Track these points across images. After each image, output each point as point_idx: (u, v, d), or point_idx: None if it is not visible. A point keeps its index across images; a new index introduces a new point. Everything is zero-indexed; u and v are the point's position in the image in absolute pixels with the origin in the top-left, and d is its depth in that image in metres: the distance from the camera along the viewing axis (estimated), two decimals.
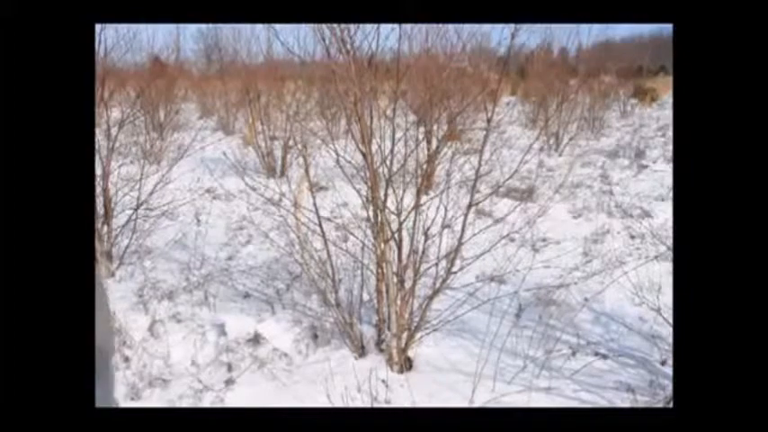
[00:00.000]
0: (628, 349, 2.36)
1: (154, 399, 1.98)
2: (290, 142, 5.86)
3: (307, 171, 2.37)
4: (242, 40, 7.65)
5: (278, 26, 2.66)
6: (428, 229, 2.17)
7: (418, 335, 2.22)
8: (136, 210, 3.23)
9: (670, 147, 8.01)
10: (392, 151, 2.11)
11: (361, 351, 2.25)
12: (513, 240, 3.51)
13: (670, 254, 3.28)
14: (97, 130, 3.17)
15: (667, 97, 15.66)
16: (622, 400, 1.99)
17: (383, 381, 2.06)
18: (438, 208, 2.20)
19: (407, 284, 2.20)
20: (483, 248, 2.30)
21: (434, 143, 2.46)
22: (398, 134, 2.18)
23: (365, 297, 2.42)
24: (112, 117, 3.42)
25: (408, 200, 2.15)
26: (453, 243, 2.17)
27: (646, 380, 2.12)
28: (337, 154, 2.20)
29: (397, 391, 2.02)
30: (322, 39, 2.06)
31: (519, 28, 1.95)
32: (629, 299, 2.79)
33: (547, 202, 4.43)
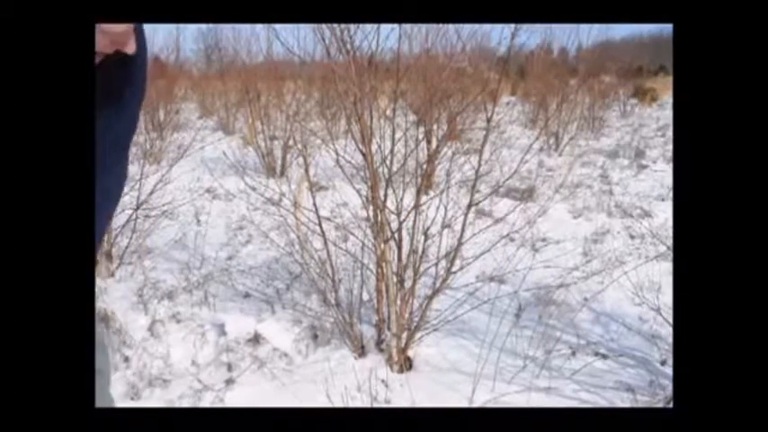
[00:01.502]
0: (628, 349, 2.36)
1: (154, 399, 1.98)
2: (290, 142, 5.86)
3: (307, 171, 2.38)
4: (242, 40, 7.65)
5: (278, 26, 2.67)
6: (428, 228, 2.17)
7: (418, 335, 2.22)
8: (136, 210, 3.23)
9: (670, 147, 8.00)
10: (392, 151, 2.11)
11: (361, 351, 2.25)
12: (513, 240, 3.51)
13: (670, 254, 3.28)
14: None
15: (667, 97, 15.65)
16: (622, 400, 1.99)
17: (383, 381, 2.06)
18: (438, 208, 2.20)
19: (407, 284, 2.20)
20: (483, 248, 2.30)
21: (434, 143, 2.46)
22: (398, 134, 2.18)
23: (365, 297, 2.42)
24: None
25: (408, 200, 2.15)
26: (453, 243, 2.17)
27: (646, 380, 2.12)
28: (337, 154, 2.20)
29: (397, 391, 2.02)
30: (322, 39, 2.06)
31: (519, 28, 1.95)
32: (629, 299, 2.79)
33: (547, 202, 4.43)
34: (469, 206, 2.09)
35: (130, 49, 0.93)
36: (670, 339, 2.34)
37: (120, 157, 1.11)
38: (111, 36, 0.86)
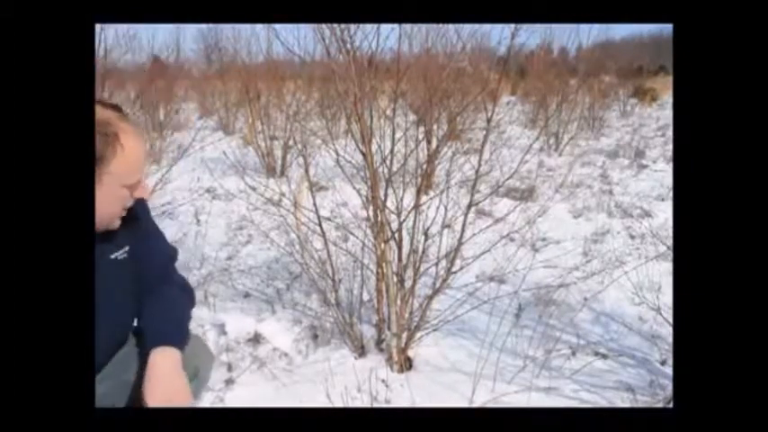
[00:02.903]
0: (628, 349, 2.36)
1: None
2: (290, 142, 5.86)
3: (307, 171, 2.37)
4: (242, 40, 7.64)
5: (278, 26, 2.66)
6: (428, 228, 2.17)
7: (418, 335, 2.22)
8: None
9: (670, 147, 8.01)
10: (392, 151, 2.11)
11: (361, 351, 2.25)
12: (513, 240, 3.51)
13: (670, 254, 3.28)
14: None
15: (667, 97, 15.67)
16: (622, 400, 1.99)
17: (383, 381, 2.06)
18: (438, 208, 2.20)
19: (407, 284, 2.20)
20: (483, 248, 2.30)
21: (434, 143, 2.46)
22: (398, 134, 2.18)
23: (365, 297, 2.42)
24: None
25: (408, 200, 2.15)
26: (453, 243, 2.17)
27: (646, 380, 2.12)
28: (337, 154, 2.20)
29: (397, 391, 2.02)
30: (322, 39, 2.06)
31: (519, 28, 1.95)
32: (629, 299, 2.79)
33: (547, 202, 4.43)
34: (469, 206, 2.09)
35: (146, 194, 1.22)
36: (670, 339, 2.34)
37: (165, 281, 1.36)
38: (131, 190, 1.12)
